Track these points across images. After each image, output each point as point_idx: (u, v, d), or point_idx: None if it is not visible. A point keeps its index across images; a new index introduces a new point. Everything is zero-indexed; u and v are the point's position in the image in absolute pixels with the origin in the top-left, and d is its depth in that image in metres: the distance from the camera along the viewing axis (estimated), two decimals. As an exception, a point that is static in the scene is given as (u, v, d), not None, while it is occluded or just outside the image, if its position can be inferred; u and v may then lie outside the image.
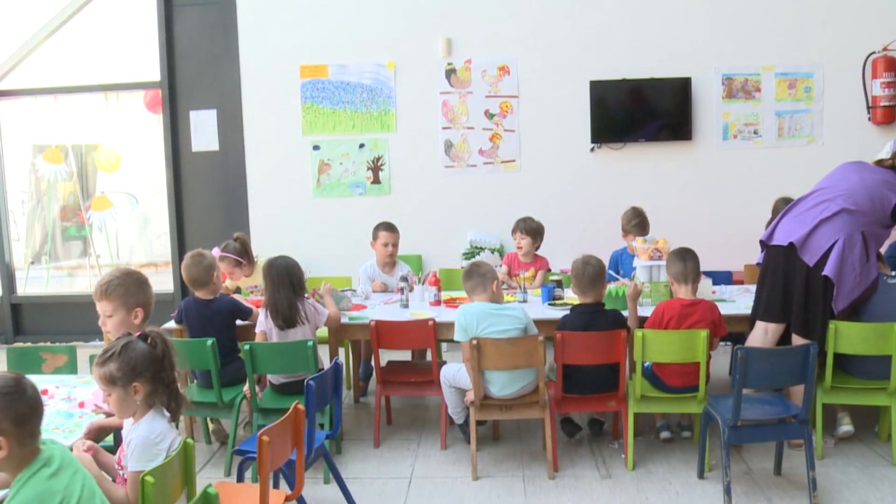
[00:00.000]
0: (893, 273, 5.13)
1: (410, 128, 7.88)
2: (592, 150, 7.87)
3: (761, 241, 5.24)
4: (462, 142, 7.87)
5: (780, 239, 5.06)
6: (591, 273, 5.04)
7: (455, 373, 5.08)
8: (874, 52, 7.75)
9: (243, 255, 6.23)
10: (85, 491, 2.63)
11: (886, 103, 7.61)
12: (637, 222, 6.34)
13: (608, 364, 4.88)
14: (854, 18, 7.75)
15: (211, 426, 5.46)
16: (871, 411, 5.39)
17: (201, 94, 8.09)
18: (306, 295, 5.18)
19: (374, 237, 6.43)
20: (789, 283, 4.99)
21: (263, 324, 5.06)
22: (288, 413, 3.56)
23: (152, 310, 4.12)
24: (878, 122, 7.66)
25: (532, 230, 6.51)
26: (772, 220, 5.39)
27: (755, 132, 7.83)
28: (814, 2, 7.75)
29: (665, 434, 5.33)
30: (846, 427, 5.29)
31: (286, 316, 4.99)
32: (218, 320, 5.16)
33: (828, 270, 4.85)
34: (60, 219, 8.73)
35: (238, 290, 6.15)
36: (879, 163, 5.21)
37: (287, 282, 5.03)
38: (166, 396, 3.12)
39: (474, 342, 4.69)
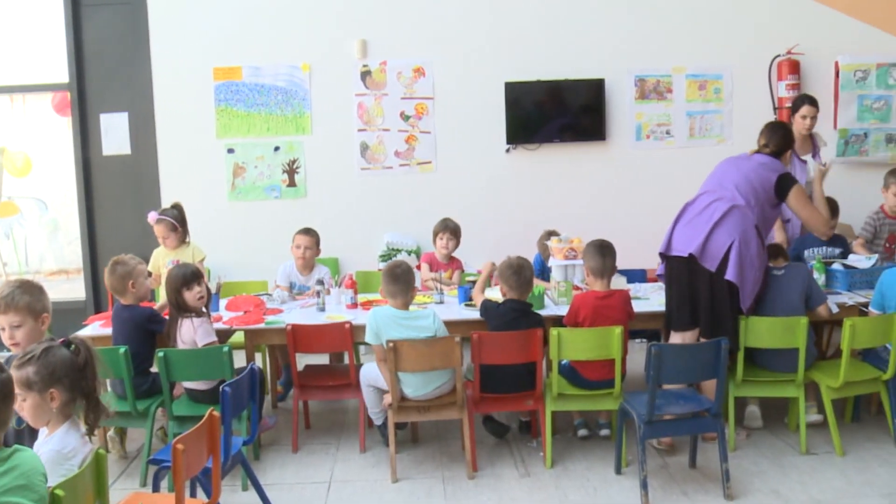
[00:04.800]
0: (781, 265, 5.29)
1: (326, 130, 7.84)
2: (508, 151, 7.93)
3: (660, 254, 5.32)
4: (378, 144, 7.86)
5: (679, 249, 5.15)
6: (528, 276, 5.13)
7: (375, 373, 5.08)
8: (779, 56, 7.98)
9: (180, 221, 6.18)
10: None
11: (791, 104, 7.81)
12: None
13: (525, 363, 4.92)
14: (760, 23, 7.97)
15: (109, 433, 5.32)
16: (780, 403, 5.55)
17: (112, 97, 7.91)
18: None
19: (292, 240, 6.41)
20: (696, 291, 5.09)
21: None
22: (203, 420, 3.52)
23: None
24: (788, 120, 7.85)
25: (456, 231, 6.55)
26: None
27: (667, 132, 7.99)
28: (723, 6, 7.95)
29: (583, 432, 5.40)
30: (752, 408, 5.50)
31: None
32: (131, 328, 5.05)
33: (730, 275, 4.95)
34: (-35, 226, 8.48)
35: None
36: (755, 151, 5.40)
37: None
38: (85, 407, 3.05)
39: (391, 344, 4.69)
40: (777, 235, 6.70)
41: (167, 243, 6.23)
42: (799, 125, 6.70)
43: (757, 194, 5.14)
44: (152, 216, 6.20)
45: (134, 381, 4.86)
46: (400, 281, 5.00)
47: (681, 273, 5.14)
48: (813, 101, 6.83)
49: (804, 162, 6.77)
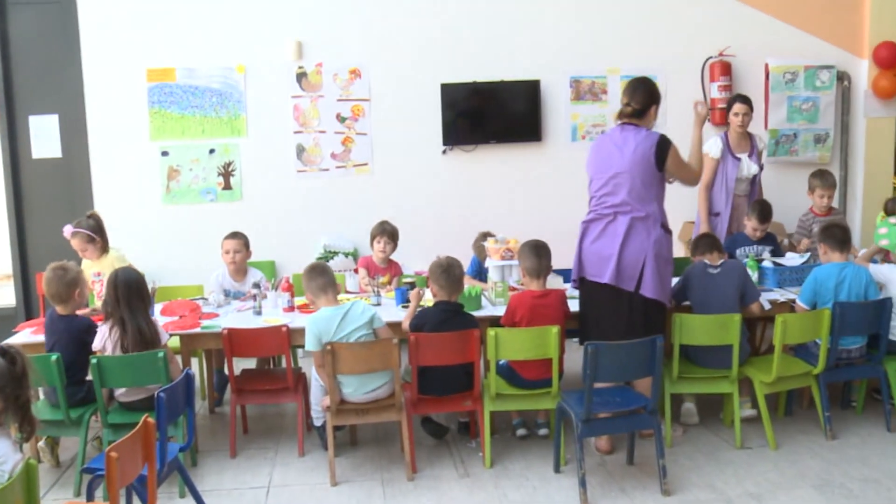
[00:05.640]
0: (717, 263, 5.37)
1: (261, 132, 7.77)
2: (444, 152, 7.94)
3: (573, 280, 5.26)
4: (314, 146, 7.81)
5: (593, 274, 5.09)
6: (458, 274, 5.14)
7: None
8: (711, 57, 8.12)
9: (97, 231, 6.05)
10: None
11: (724, 105, 7.95)
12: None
13: (463, 364, 4.93)
14: (693, 25, 8.10)
15: (39, 443, 5.20)
16: (715, 399, 5.64)
17: (41, 99, 7.74)
18: None
19: None
20: (619, 310, 5.02)
21: (103, 342, 4.84)
22: (137, 427, 3.47)
23: None
24: (716, 122, 8.00)
25: (393, 234, 6.52)
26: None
27: (603, 133, 8.01)
28: (656, 9, 8.06)
29: (521, 431, 5.43)
30: (689, 405, 5.57)
31: (142, 341, 4.79)
32: (68, 340, 4.92)
33: (652, 293, 4.95)
34: None
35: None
36: (620, 114, 5.18)
37: (142, 305, 4.87)
38: (19, 418, 2.98)
39: (328, 347, 4.67)
40: (701, 228, 6.85)
41: (87, 255, 6.11)
42: (733, 122, 6.96)
43: (645, 175, 4.98)
44: (67, 230, 6.04)
45: (69, 390, 4.77)
46: (326, 273, 5.08)
47: (599, 297, 5.08)
48: (745, 100, 7.02)
49: (738, 159, 6.91)
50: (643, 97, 5.09)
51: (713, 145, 6.99)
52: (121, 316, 4.79)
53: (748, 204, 6.97)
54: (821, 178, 6.87)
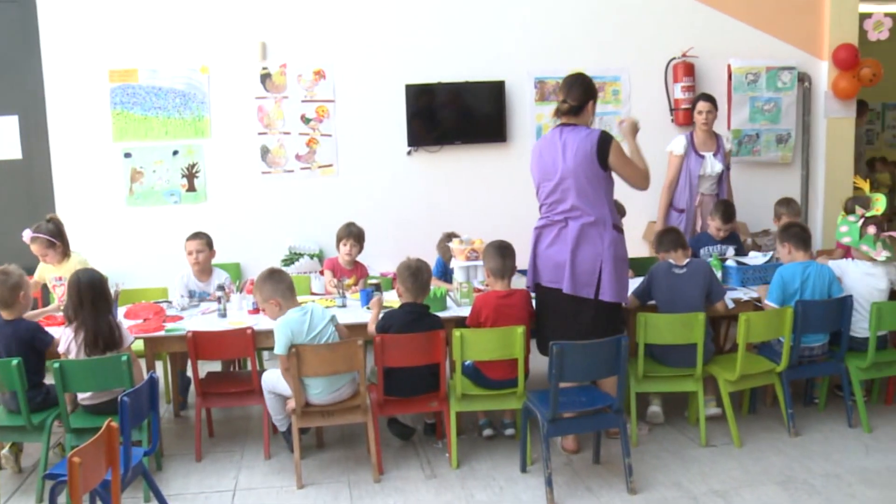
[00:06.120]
0: (683, 263, 5.41)
1: (226, 134, 7.72)
2: (409, 153, 7.94)
3: (529, 286, 5.27)
4: (279, 147, 7.78)
5: (550, 280, 5.09)
6: (425, 279, 5.14)
7: (276, 379, 5.03)
8: (675, 58, 8.18)
9: (57, 236, 5.98)
10: None
11: (687, 106, 8.03)
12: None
13: (429, 365, 4.94)
14: (656, 26, 8.17)
15: (3, 450, 5.14)
16: (680, 398, 5.68)
17: (0, 99, 7.67)
18: None
19: None
20: (578, 316, 5.00)
21: (67, 345, 4.79)
22: (100, 431, 3.44)
23: None
24: (680, 123, 8.08)
25: (359, 236, 6.50)
26: None
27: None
28: (619, 10, 8.11)
29: (488, 431, 5.44)
30: (655, 408, 5.60)
31: (108, 343, 4.77)
32: (16, 344, 4.84)
33: (611, 297, 4.94)
34: None
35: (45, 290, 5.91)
36: (557, 113, 5.10)
37: (105, 306, 4.82)
38: None
39: (293, 350, 4.66)
40: (657, 226, 6.91)
41: (47, 260, 6.04)
42: (697, 120, 7.09)
43: (589, 174, 4.91)
44: (27, 234, 5.96)
45: (27, 395, 4.70)
46: (285, 277, 5.08)
47: (557, 303, 5.06)
48: (709, 98, 7.11)
49: (702, 157, 6.97)
50: (579, 93, 5.00)
51: (677, 143, 7.07)
52: (85, 317, 4.74)
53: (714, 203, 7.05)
54: (787, 206, 6.90)
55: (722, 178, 7.14)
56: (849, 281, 5.56)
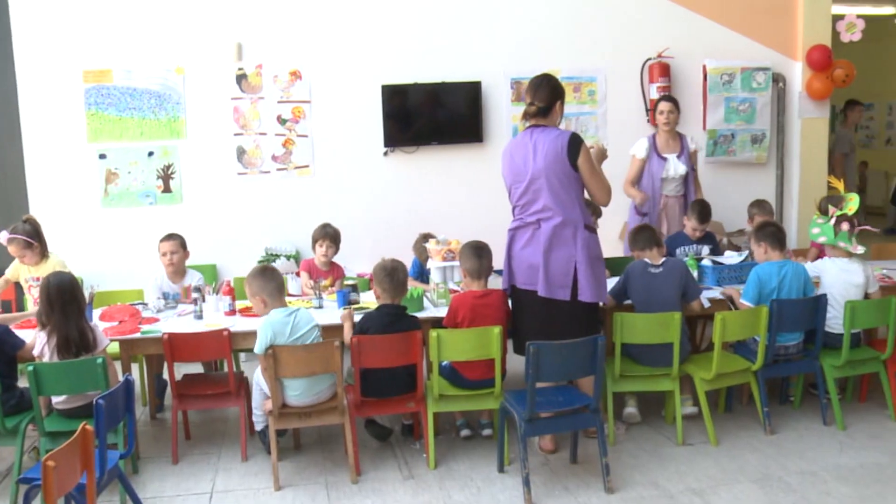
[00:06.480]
0: (658, 263, 5.43)
1: (201, 135, 7.69)
2: (386, 154, 7.93)
3: (505, 289, 5.26)
4: (255, 148, 7.75)
5: (524, 283, 5.09)
6: (402, 278, 5.13)
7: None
8: (650, 59, 8.22)
9: (34, 236, 5.94)
10: None
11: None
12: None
13: (406, 365, 4.93)
14: (632, 27, 8.21)
15: None
16: (657, 397, 5.70)
17: (-27, 101, 7.62)
18: None
19: None
20: (555, 318, 5.00)
21: (41, 348, 4.74)
22: (75, 435, 3.41)
23: None
24: (655, 123, 8.05)
25: (336, 237, 6.48)
26: None
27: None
28: (596, 11, 8.15)
29: (465, 432, 5.44)
30: (631, 409, 5.60)
31: (79, 346, 4.72)
32: None
33: (589, 298, 4.95)
34: None
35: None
36: (525, 115, 5.12)
37: (76, 309, 4.76)
38: None
39: (269, 351, 4.64)
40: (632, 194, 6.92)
41: (25, 261, 6.00)
42: (658, 121, 7.11)
43: (560, 175, 4.91)
44: (3, 235, 5.92)
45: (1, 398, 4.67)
46: (278, 275, 5.06)
47: (533, 305, 5.07)
48: (669, 98, 7.13)
49: (665, 159, 6.99)
50: (546, 94, 5.01)
51: (639, 146, 7.10)
52: (56, 322, 4.71)
53: (682, 205, 7.05)
54: (759, 207, 6.93)
55: (688, 180, 7.16)
56: (827, 279, 5.60)
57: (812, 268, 5.68)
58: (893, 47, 13.93)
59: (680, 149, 7.10)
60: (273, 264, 7.28)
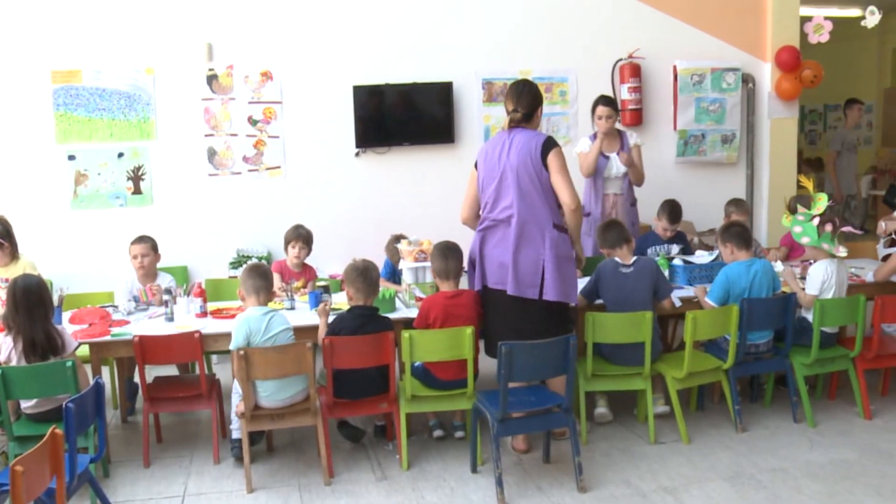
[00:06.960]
0: (630, 263, 5.44)
1: (172, 136, 7.63)
2: (357, 154, 7.92)
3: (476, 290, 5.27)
4: (226, 149, 7.71)
5: (495, 282, 5.11)
6: (374, 278, 5.12)
7: None
8: (621, 59, 8.25)
9: (4, 236, 5.89)
10: None
11: (634, 106, 8.13)
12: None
13: (378, 366, 4.93)
14: (603, 28, 8.24)
15: None
16: (629, 396, 5.73)
17: (-61, 102, 7.51)
18: None
19: None
20: (526, 317, 5.02)
21: (8, 353, 4.69)
22: (44, 439, 3.38)
23: None
24: (627, 123, 8.12)
25: (308, 239, 6.46)
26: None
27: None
28: (566, 11, 8.17)
29: (438, 432, 5.44)
30: (602, 409, 5.62)
31: (45, 349, 4.67)
32: None
33: (555, 297, 4.96)
34: None
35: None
36: (509, 122, 5.13)
37: (42, 312, 4.71)
38: None
39: (241, 353, 4.62)
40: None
41: None
42: (598, 125, 6.94)
43: (531, 175, 4.96)
44: None
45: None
46: (267, 277, 5.06)
47: (504, 305, 5.08)
48: (608, 101, 7.01)
49: (607, 158, 6.97)
50: (529, 100, 5.10)
51: (583, 143, 7.07)
52: (22, 325, 4.65)
53: (625, 202, 7.03)
54: (737, 206, 6.93)
55: (628, 177, 7.10)
56: (837, 279, 5.57)
57: (819, 271, 5.60)
58: (861, 48, 14.06)
59: (620, 146, 7.05)
60: (244, 265, 7.25)
